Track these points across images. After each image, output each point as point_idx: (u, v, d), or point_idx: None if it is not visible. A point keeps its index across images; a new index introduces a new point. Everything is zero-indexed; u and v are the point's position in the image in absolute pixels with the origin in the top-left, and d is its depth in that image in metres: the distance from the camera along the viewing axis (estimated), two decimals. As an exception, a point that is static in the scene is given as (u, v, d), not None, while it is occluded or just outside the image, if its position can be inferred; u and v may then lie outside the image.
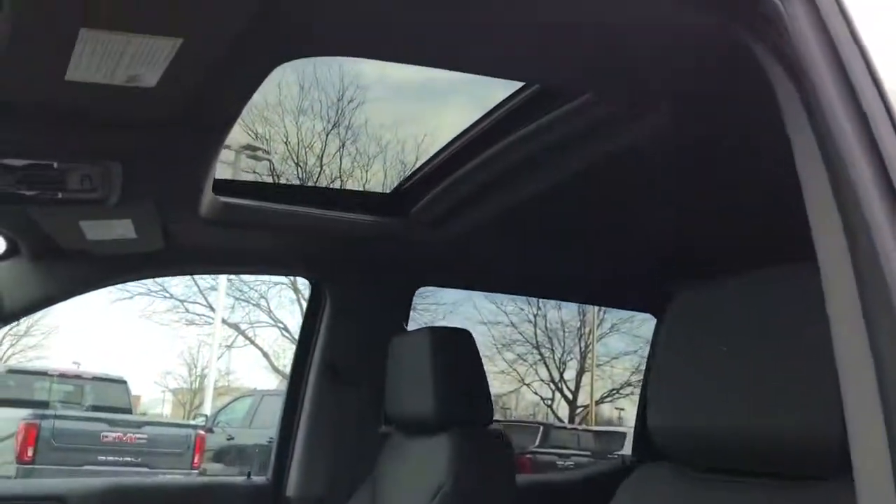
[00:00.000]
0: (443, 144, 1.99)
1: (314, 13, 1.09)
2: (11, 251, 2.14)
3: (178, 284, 18.64)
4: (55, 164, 1.42)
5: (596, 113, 1.51)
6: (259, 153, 15.99)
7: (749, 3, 0.89)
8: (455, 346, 2.11)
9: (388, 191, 2.36)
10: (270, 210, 2.16)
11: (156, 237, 2.07)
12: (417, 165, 2.17)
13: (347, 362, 2.52)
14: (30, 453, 8.91)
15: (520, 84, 1.65)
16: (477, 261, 2.54)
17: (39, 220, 1.88)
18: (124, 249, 2.13)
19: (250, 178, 14.92)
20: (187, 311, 19.13)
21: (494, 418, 2.15)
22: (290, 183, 14.59)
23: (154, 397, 27.69)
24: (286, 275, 2.77)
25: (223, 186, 2.04)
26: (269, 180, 15.45)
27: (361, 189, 12.81)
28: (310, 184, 15.61)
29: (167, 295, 17.96)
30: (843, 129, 0.78)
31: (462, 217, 2.12)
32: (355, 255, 2.46)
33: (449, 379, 2.04)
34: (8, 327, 24.90)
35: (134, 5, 0.95)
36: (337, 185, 15.28)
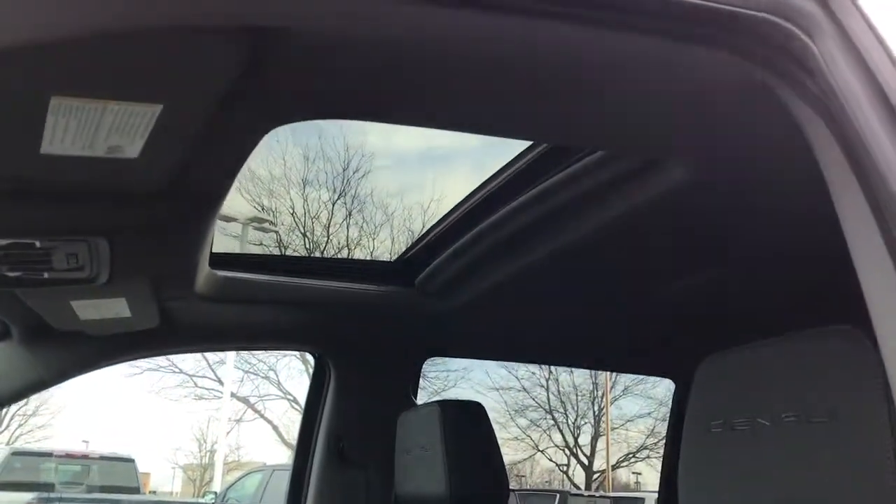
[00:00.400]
0: (447, 210, 1.92)
1: (305, 75, 1.03)
2: (2, 334, 2.07)
3: (188, 359, 18.60)
4: (38, 243, 1.34)
5: (610, 170, 1.44)
6: (266, 225, 16.09)
7: (775, 43, 0.81)
8: (467, 421, 2.00)
9: (394, 259, 2.28)
10: (270, 283, 2.09)
11: (152, 315, 2.00)
12: (422, 232, 2.10)
13: (354, 438, 2.42)
14: (29, 540, 8.70)
15: (525, 144, 1.58)
16: (487, 329, 2.45)
17: (28, 301, 1.81)
18: (119, 328, 2.05)
19: (258, 250, 14.97)
20: (196, 385, 19.03)
21: (510, 487, 2.04)
22: (289, 254, 14.57)
23: (164, 474, 27.37)
24: (289, 349, 2.69)
25: (220, 260, 1.98)
26: (276, 252, 15.48)
27: (368, 258, 12.79)
28: (315, 254, 15.63)
29: (176, 370, 17.89)
30: None
31: (470, 284, 2.04)
32: (360, 326, 2.37)
33: (462, 456, 1.93)
34: (15, 407, 24.91)
35: (107, 70, 0.89)
36: (344, 254, 15.30)
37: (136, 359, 2.29)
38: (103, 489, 10.57)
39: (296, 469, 2.46)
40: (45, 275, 1.50)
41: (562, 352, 2.83)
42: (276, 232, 16.36)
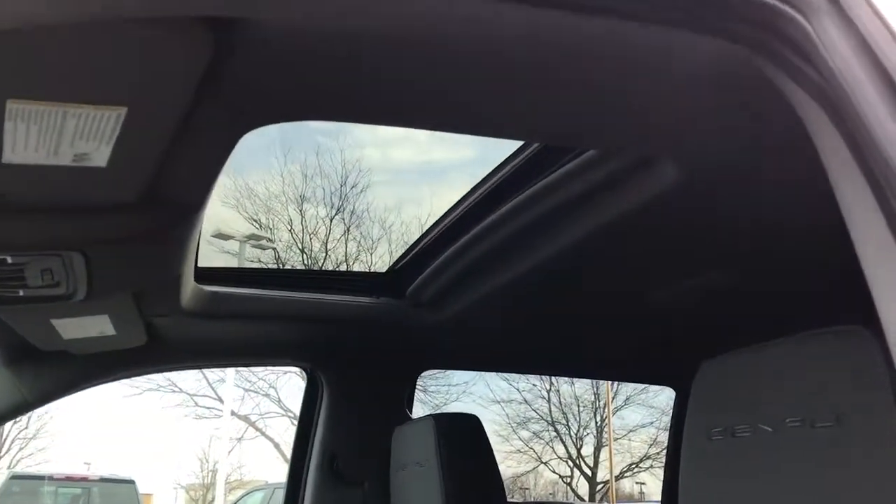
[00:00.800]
0: (436, 219, 1.88)
1: (279, 72, 0.98)
2: (-18, 357, 2.02)
3: (188, 378, 18.51)
4: (9, 258, 1.29)
5: (600, 171, 1.39)
6: (263, 242, 16.06)
7: (767, 25, 0.77)
8: (462, 434, 1.95)
9: (385, 271, 2.23)
10: (258, 297, 2.04)
11: (137, 333, 1.95)
12: (412, 243, 2.05)
13: (349, 455, 2.36)
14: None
15: (512, 150, 1.54)
16: (481, 340, 2.39)
17: (8, 320, 1.75)
18: (105, 347, 2.00)
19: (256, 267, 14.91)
20: (197, 404, 18.94)
21: (513, 500, 1.99)
22: (278, 268, 14.54)
23: (168, 494, 27.22)
24: (280, 365, 2.61)
25: (206, 275, 1.93)
26: (274, 268, 15.43)
27: (356, 270, 12.77)
28: (313, 268, 15.58)
29: (176, 389, 17.80)
30: None
31: (461, 294, 1.99)
32: (351, 339, 2.32)
33: (458, 470, 1.88)
34: (16, 430, 24.83)
35: (64, 71, 0.84)
36: (343, 269, 15.27)
37: (124, 378, 2.24)
38: (104, 511, 10.48)
39: (290, 488, 2.40)
40: (21, 292, 1.45)
41: (558, 361, 2.78)
42: (275, 248, 16.34)
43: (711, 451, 1.07)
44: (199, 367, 2.35)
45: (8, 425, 25.11)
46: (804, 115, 0.78)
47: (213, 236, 15.51)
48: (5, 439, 25.19)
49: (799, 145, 0.83)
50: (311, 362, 2.42)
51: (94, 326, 1.84)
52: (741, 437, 1.02)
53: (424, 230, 1.95)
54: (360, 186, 16.34)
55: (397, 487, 2.10)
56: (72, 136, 0.96)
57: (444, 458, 1.88)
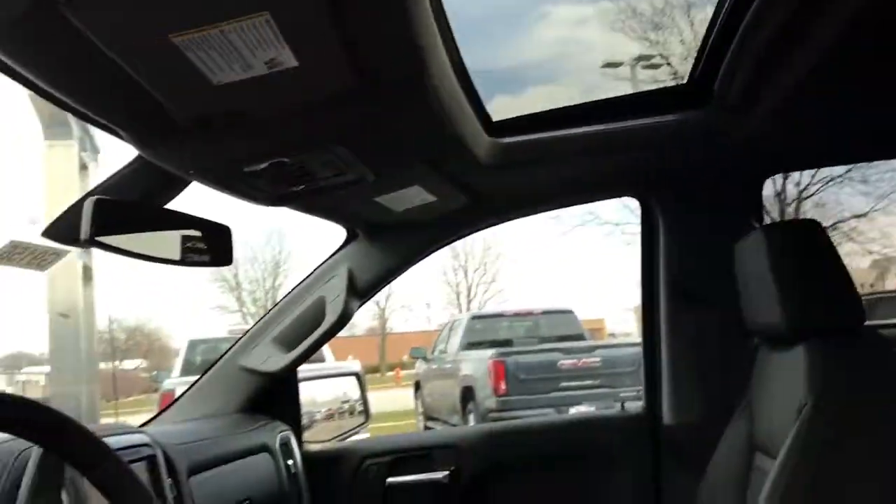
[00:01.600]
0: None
1: None
2: (351, 236, 2.34)
3: (608, 208, 19.25)
4: (286, 160, 1.44)
5: None
6: (655, 59, 15.48)
7: None
8: (798, 244, 1.76)
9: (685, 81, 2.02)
10: (559, 138, 2.01)
11: (454, 195, 2.06)
12: (702, 38, 1.82)
13: (696, 275, 2.28)
14: (503, 387, 9.92)
15: None
16: (815, 129, 2.08)
17: (348, 207, 1.98)
18: (436, 212, 2.16)
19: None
20: (623, 233, 19.69)
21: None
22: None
23: (616, 317, 29.19)
24: (608, 198, 2.59)
25: (500, 127, 1.94)
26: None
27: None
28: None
29: (601, 222, 18.70)
30: None
31: (771, 82, 1.72)
32: (670, 160, 2.18)
33: (793, 282, 1.71)
34: (478, 277, 28.49)
35: None
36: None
37: (464, 236, 2.43)
38: (554, 339, 11.58)
39: (645, 314, 2.42)
40: (322, 183, 1.62)
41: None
42: (669, 63, 15.67)
43: None
44: (532, 214, 2.44)
45: (470, 274, 29.16)
46: None
47: (603, 66, 15.40)
48: (470, 286, 29.31)
49: None
50: (636, 191, 2.35)
51: (415, 196, 2.00)
52: None
53: (708, 22, 1.71)
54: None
55: (745, 302, 1.99)
56: (248, 49, 1.02)
57: (778, 272, 1.73)
